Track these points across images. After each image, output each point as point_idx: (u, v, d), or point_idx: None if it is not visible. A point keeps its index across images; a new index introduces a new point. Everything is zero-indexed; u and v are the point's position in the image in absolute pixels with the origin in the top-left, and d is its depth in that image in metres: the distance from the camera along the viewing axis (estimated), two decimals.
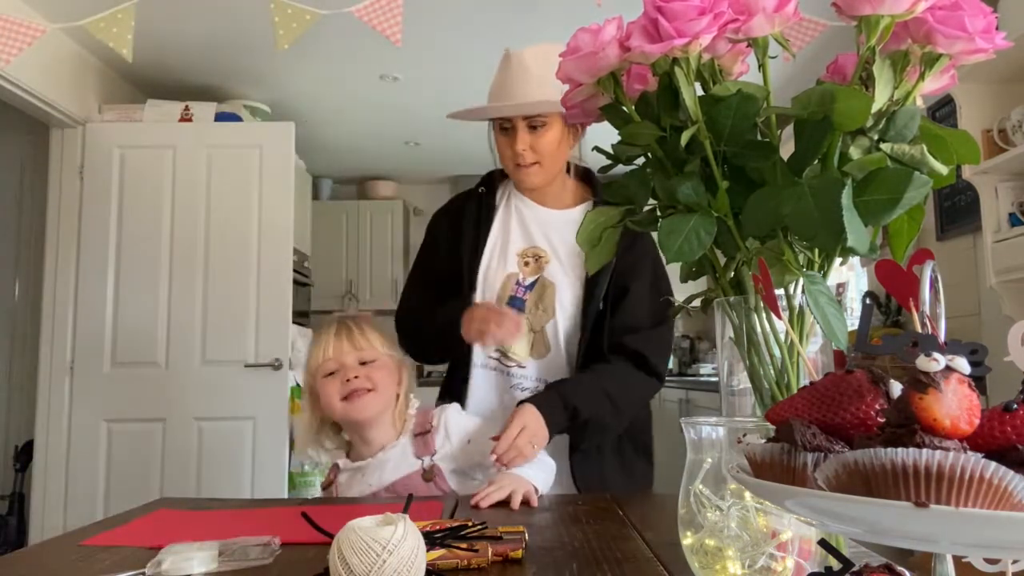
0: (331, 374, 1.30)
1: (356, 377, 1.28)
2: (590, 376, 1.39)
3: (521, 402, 1.32)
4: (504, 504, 1.14)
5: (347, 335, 1.33)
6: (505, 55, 1.44)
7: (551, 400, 1.33)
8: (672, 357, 4.49)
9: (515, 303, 1.47)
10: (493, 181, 1.59)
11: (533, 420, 1.27)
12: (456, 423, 1.35)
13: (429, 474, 1.29)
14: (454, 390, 1.49)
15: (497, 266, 1.50)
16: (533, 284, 1.47)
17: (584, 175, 1.56)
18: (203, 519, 1.07)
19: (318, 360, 1.32)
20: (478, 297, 1.48)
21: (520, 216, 1.54)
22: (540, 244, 1.50)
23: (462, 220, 1.56)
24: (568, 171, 1.51)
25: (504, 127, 1.42)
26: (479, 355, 1.48)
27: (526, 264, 1.49)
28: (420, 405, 1.39)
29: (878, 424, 0.43)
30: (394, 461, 1.30)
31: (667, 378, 1.54)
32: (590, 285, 1.43)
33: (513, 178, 1.50)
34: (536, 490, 1.20)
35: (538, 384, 1.44)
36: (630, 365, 1.41)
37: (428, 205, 5.53)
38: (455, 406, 1.40)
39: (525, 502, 1.16)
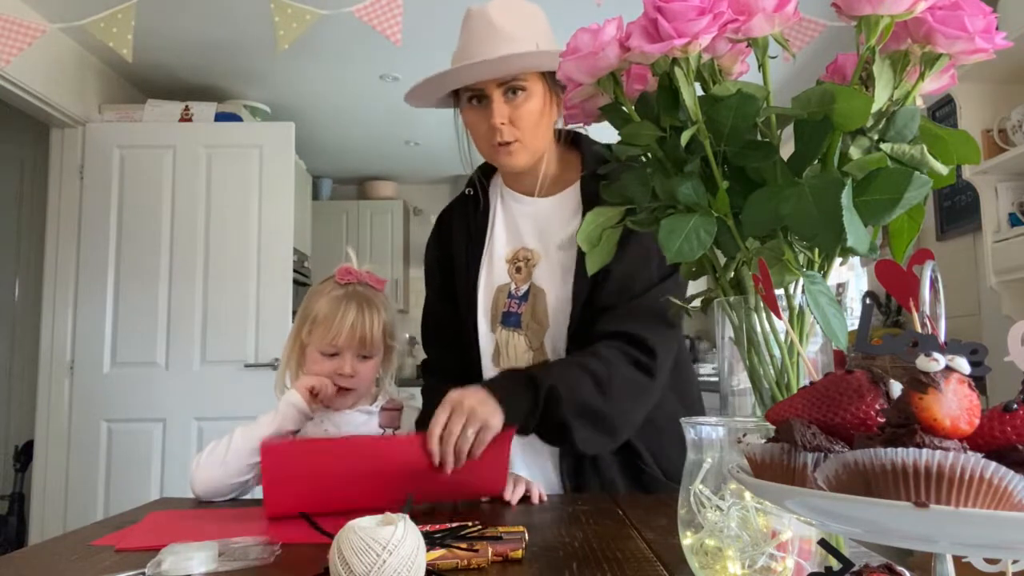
0: (328, 353, 1.28)
1: (348, 375, 1.27)
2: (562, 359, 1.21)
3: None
4: (504, 503, 1.14)
5: (360, 326, 1.26)
6: (466, 14, 1.19)
7: (500, 376, 1.15)
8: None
9: (510, 320, 1.28)
10: (484, 177, 1.36)
11: (466, 397, 1.03)
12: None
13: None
14: None
15: (487, 279, 1.31)
16: (526, 294, 1.28)
17: (572, 140, 1.32)
18: (203, 519, 1.07)
19: (323, 334, 1.26)
20: (481, 325, 1.30)
21: (507, 213, 1.33)
22: (530, 243, 1.29)
23: (452, 234, 1.36)
24: (559, 139, 1.29)
25: (475, 98, 1.19)
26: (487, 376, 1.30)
27: (517, 271, 1.29)
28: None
29: (878, 424, 0.43)
30: (355, 426, 1.30)
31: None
32: (578, 280, 1.22)
33: (493, 162, 1.27)
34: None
35: None
36: (610, 346, 1.16)
37: (428, 205, 5.53)
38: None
39: (526, 499, 1.15)
